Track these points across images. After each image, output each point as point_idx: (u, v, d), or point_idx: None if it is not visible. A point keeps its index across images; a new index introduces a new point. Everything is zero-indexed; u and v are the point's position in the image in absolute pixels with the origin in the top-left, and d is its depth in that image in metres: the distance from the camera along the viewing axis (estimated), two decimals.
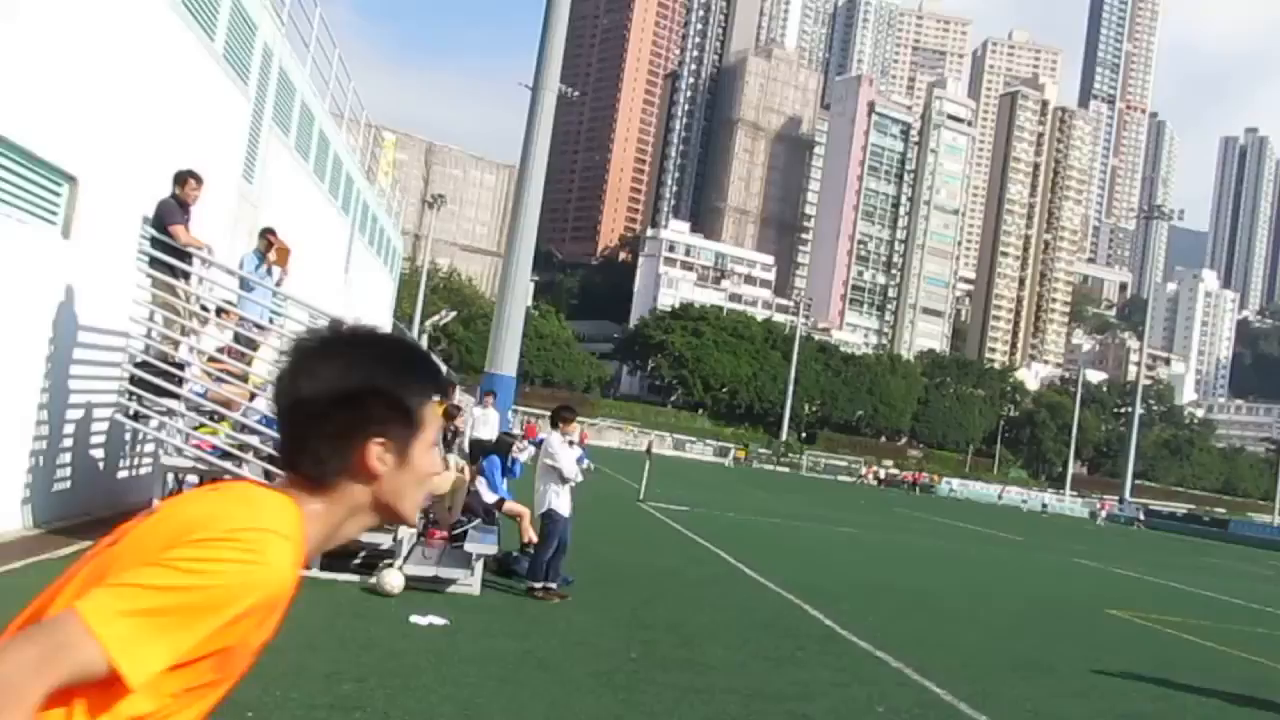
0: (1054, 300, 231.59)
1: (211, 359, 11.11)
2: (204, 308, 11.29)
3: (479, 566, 11.06)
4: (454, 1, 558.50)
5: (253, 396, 10.85)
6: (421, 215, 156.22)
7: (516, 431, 28.19)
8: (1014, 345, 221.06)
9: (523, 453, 16.58)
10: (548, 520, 11.47)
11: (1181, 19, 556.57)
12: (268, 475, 10.45)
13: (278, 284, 12.68)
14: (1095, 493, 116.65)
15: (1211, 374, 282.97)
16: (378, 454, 1.66)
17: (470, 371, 73.93)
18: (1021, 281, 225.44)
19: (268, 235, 12.90)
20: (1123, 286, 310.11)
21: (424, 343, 41.09)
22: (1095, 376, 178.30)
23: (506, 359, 27.93)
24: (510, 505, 12.89)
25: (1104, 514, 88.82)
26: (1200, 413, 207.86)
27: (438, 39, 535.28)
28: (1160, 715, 9.92)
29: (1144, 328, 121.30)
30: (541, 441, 12.30)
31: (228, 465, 10.47)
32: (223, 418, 10.72)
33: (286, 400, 1.66)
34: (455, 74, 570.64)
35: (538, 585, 11.33)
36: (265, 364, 11.40)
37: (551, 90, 28.81)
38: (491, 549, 11.32)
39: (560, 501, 11.50)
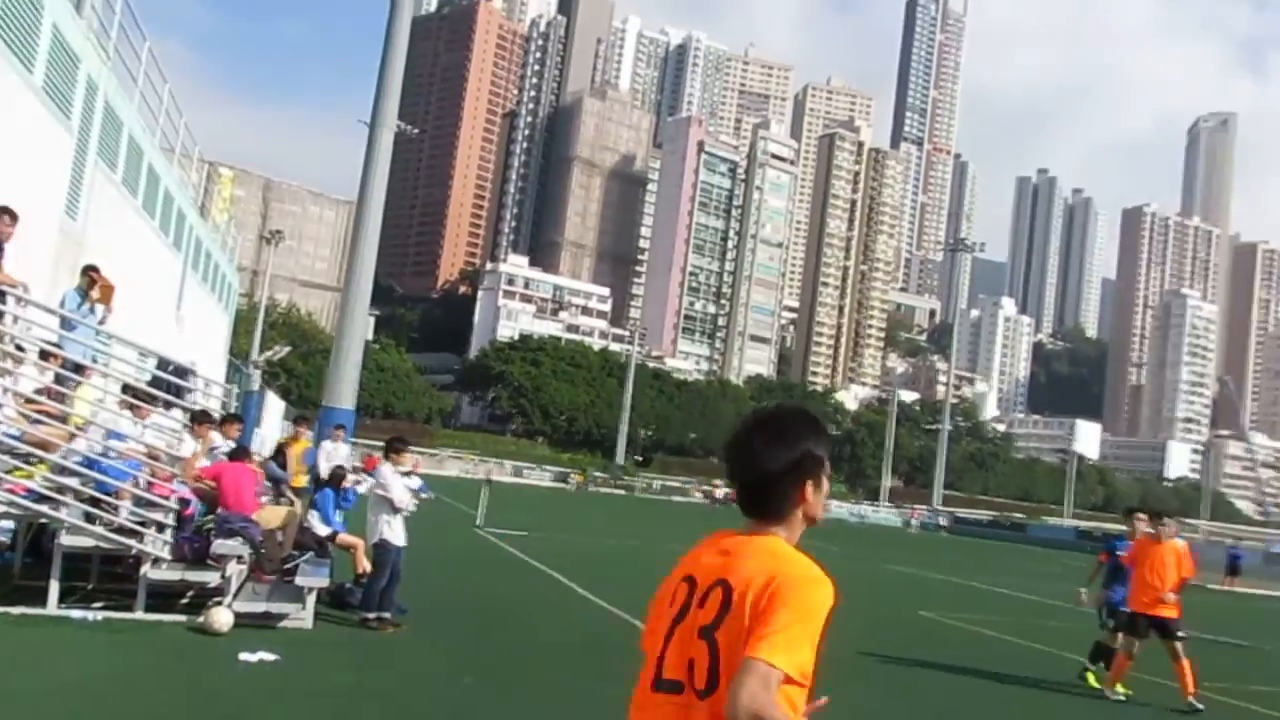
0: (870, 327, 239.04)
1: (29, 400, 10.53)
2: (19, 347, 10.70)
3: (311, 600, 10.76)
4: (292, 38, 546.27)
5: (72, 437, 10.32)
6: (259, 251, 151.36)
7: (357, 464, 27.51)
8: (834, 369, 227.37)
9: (361, 485, 16.22)
10: (380, 550, 11.26)
11: (981, 68, 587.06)
12: (88, 517, 9.94)
13: (101, 322, 12.11)
14: (909, 503, 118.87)
15: (1011, 392, 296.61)
16: (810, 490, 2.43)
17: (310, 406, 71.87)
18: (841, 309, 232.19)
19: (90, 273, 12.31)
20: (932, 313, 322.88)
21: (257, 379, 39.77)
22: (908, 396, 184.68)
23: (345, 393, 27.25)
24: (344, 537, 12.61)
25: (915, 522, 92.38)
26: (1001, 427, 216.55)
27: (276, 76, 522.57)
28: (964, 706, 10.37)
29: (951, 351, 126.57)
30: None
31: (43, 509, 9.91)
32: (40, 460, 10.16)
33: (755, 474, 2.40)
34: (296, 110, 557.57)
35: (371, 616, 11.09)
36: (86, 404, 10.87)
37: (389, 127, 28.41)
38: (323, 581, 11.02)
39: (393, 531, 11.31)
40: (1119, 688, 11.69)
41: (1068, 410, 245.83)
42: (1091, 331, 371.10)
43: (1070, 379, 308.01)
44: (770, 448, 2.39)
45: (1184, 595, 11.84)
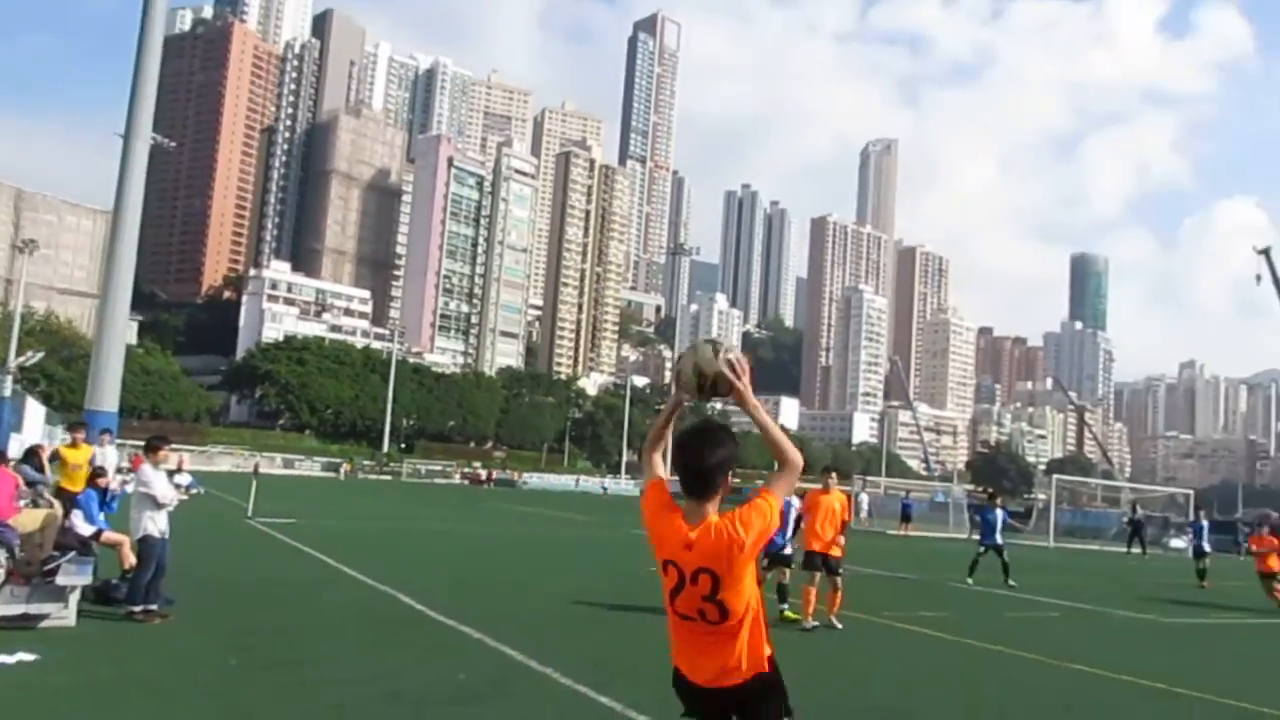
0: (606, 321, 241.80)
1: None
2: None
3: (74, 598, 9.81)
4: (42, 52, 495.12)
5: None
6: (12, 260, 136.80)
7: (124, 464, 25.40)
8: (576, 359, 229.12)
9: (129, 485, 14.95)
10: (145, 545, 10.42)
11: (693, 97, 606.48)
12: None
13: None
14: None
15: None
16: (729, 477, 3.28)
17: (73, 410, 65.67)
18: (580, 306, 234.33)
19: None
20: (658, 309, 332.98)
21: (8, 385, 35.98)
22: (640, 381, 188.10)
23: (107, 396, 25.06)
24: (108, 535, 11.58)
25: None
26: (721, 406, 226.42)
27: (27, 89, 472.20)
28: None
29: (675, 341, 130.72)
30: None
31: None
32: None
33: (701, 467, 3.21)
34: (49, 124, 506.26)
35: (137, 609, 10.25)
36: None
37: (144, 139, 26.24)
38: (86, 579, 10.07)
39: (156, 525, 10.49)
40: (810, 617, 12.26)
41: (772, 389, 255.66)
42: (790, 322, 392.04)
43: (774, 363, 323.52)
44: (711, 450, 3.19)
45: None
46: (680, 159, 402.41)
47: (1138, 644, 13.73)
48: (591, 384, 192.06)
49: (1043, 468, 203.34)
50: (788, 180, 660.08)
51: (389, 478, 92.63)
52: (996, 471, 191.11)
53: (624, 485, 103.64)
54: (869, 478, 73.29)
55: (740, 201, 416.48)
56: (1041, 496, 52.58)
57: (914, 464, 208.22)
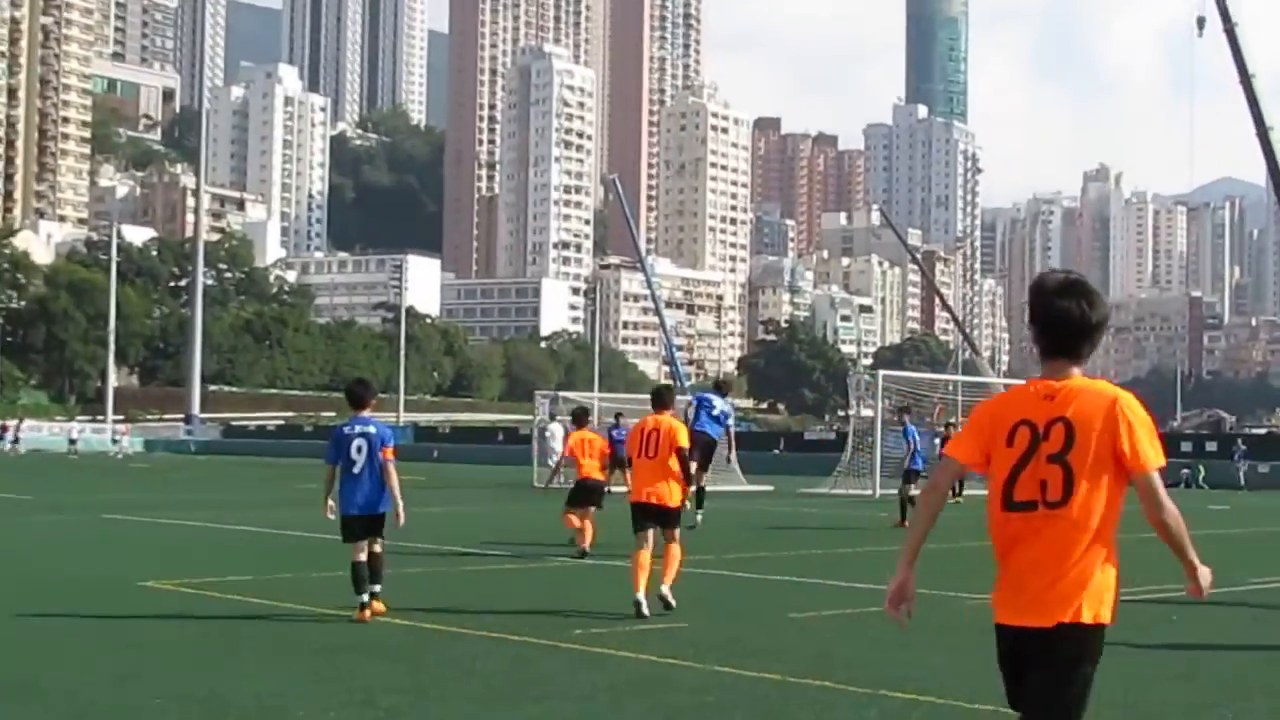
0: (66, 121, 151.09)
1: None
2: None
3: None
4: None
5: None
6: None
7: None
8: (7, 196, 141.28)
9: None
10: None
11: None
12: None
13: None
14: (154, 411, 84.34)
15: (304, 218, 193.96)
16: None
17: None
18: (11, 93, 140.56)
19: None
20: (167, 95, 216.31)
21: None
22: (139, 235, 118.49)
23: None
24: None
25: (127, 442, 58.91)
26: (293, 276, 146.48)
27: None
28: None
29: (201, 155, 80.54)
30: None
31: None
32: None
33: (1090, 322, 2.97)
34: None
35: None
36: None
37: None
38: None
39: None
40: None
41: (391, 241, 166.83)
42: (420, 118, 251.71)
43: (393, 193, 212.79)
44: (1092, 308, 2.97)
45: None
46: None
47: None
48: (43, 243, 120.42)
49: (868, 362, 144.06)
50: None
51: None
52: (789, 371, 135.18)
53: (121, 436, 60.70)
54: (565, 396, 36.78)
55: None
56: (866, 412, 29.07)
57: (651, 368, 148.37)
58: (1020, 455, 2.91)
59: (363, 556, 8.14)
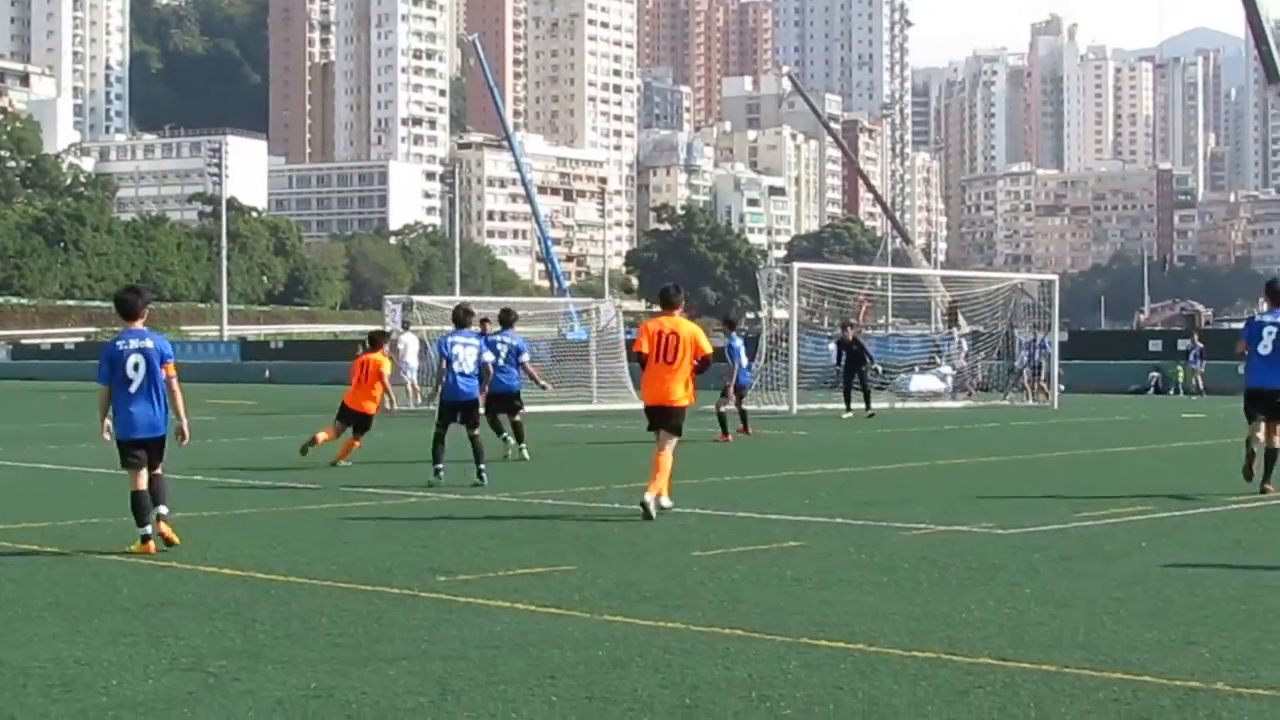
0: None
1: None
2: None
3: None
4: None
5: None
6: None
7: None
8: None
9: None
10: None
11: None
12: None
13: None
14: None
15: (101, 94, 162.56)
16: None
17: None
18: None
19: None
20: None
21: None
22: None
23: None
24: None
25: None
26: (90, 164, 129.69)
27: None
28: None
29: None
30: None
31: None
32: None
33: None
34: None
35: None
36: None
37: None
38: None
39: None
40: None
41: (207, 120, 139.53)
42: None
43: (208, 62, 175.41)
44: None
45: None
46: None
47: None
48: None
49: (781, 254, 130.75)
50: None
51: None
52: (687, 266, 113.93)
53: None
54: (420, 301, 30.61)
55: None
56: (780, 313, 25.89)
57: (523, 265, 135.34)
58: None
59: (143, 484, 7.53)
